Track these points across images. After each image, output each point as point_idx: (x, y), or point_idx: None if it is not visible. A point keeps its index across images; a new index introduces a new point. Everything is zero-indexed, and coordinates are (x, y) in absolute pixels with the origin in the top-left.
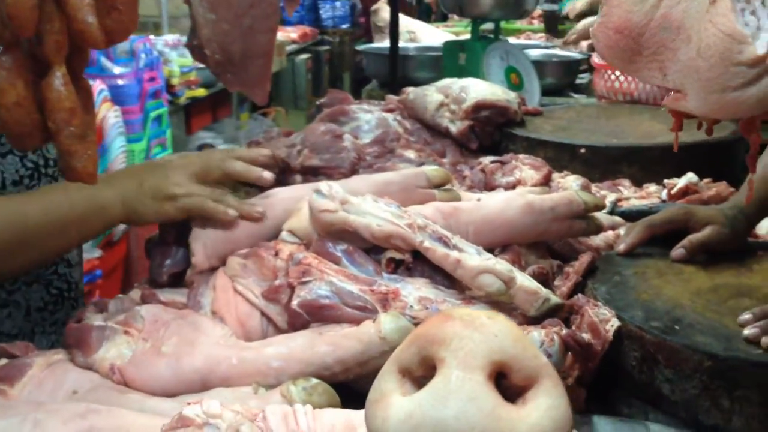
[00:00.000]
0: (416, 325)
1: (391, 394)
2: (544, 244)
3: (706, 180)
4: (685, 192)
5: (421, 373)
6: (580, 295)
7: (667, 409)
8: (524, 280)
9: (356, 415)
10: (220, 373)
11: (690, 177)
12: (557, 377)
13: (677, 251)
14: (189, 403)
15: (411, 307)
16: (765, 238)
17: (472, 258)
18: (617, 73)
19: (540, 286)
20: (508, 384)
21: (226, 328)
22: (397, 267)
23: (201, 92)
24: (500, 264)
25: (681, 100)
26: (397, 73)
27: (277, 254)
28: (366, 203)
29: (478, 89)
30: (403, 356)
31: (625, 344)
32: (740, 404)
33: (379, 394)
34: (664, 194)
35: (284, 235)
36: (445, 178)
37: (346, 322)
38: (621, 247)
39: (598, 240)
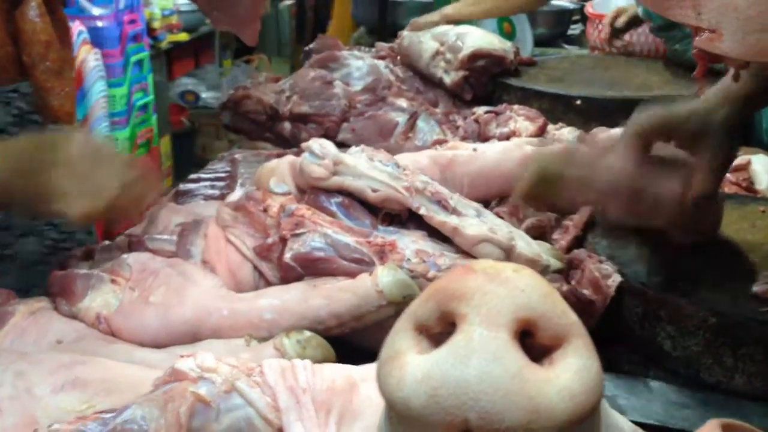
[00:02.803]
0: (414, 278)
1: (406, 353)
2: None
3: None
4: None
5: (440, 330)
6: (580, 249)
7: (668, 365)
8: (524, 247)
9: (356, 371)
10: (211, 324)
11: None
12: (588, 337)
13: (761, 287)
14: (182, 356)
15: (408, 259)
16: (764, 193)
17: (472, 225)
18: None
19: (540, 252)
20: (534, 343)
21: (216, 278)
22: (393, 219)
23: (183, 37)
24: (500, 229)
25: (715, 40)
26: (386, 19)
27: (266, 210)
28: (361, 164)
29: (474, 38)
30: (420, 312)
31: (627, 300)
32: (744, 362)
33: (393, 352)
34: None
35: (272, 184)
36: None
37: (341, 275)
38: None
39: None
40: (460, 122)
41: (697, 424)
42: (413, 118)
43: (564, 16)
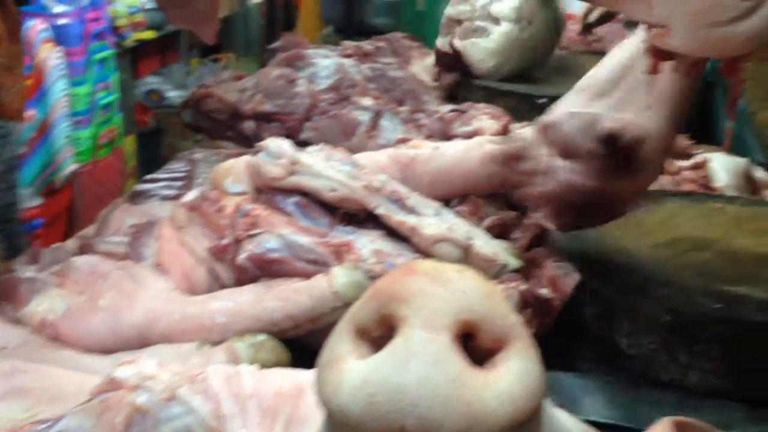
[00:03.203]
0: (371, 278)
1: (345, 357)
2: (503, 194)
3: None
4: None
5: (380, 333)
6: (540, 248)
7: (624, 363)
8: (482, 246)
9: (306, 375)
10: (161, 328)
11: None
12: (530, 339)
13: None
14: (122, 364)
15: (365, 260)
16: (722, 191)
17: (430, 225)
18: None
19: (498, 251)
20: (475, 345)
21: (169, 281)
22: (351, 219)
23: (148, 35)
24: (458, 228)
25: (666, 36)
26: (354, 18)
27: (221, 210)
28: (318, 163)
29: None
30: (360, 314)
31: (584, 298)
32: (698, 359)
33: (331, 357)
34: None
35: (227, 184)
36: None
37: (297, 276)
38: None
39: None
40: (424, 121)
41: (653, 422)
42: (377, 116)
43: None
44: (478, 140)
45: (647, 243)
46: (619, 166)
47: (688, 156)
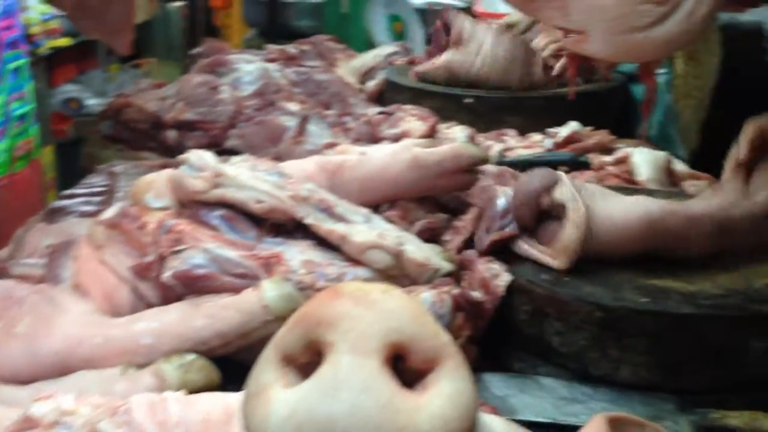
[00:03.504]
0: (301, 290)
1: (271, 387)
2: (433, 197)
3: (588, 128)
4: (569, 141)
5: (307, 359)
6: (471, 250)
7: (557, 361)
8: (414, 251)
9: (236, 399)
10: (82, 353)
11: (573, 126)
12: (461, 357)
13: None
14: (37, 400)
15: (295, 271)
16: (644, 185)
17: (360, 232)
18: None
19: (430, 256)
20: (406, 367)
21: (89, 304)
22: (279, 230)
23: (64, 42)
24: (389, 234)
25: (583, 42)
26: (278, 21)
27: (143, 227)
28: (243, 174)
29: None
30: (286, 341)
31: (516, 298)
32: (629, 353)
33: (257, 387)
34: (548, 143)
35: (149, 199)
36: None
37: (225, 291)
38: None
39: None
40: (351, 124)
41: (587, 418)
42: (304, 122)
43: None
44: (405, 144)
45: None
46: None
47: (610, 151)
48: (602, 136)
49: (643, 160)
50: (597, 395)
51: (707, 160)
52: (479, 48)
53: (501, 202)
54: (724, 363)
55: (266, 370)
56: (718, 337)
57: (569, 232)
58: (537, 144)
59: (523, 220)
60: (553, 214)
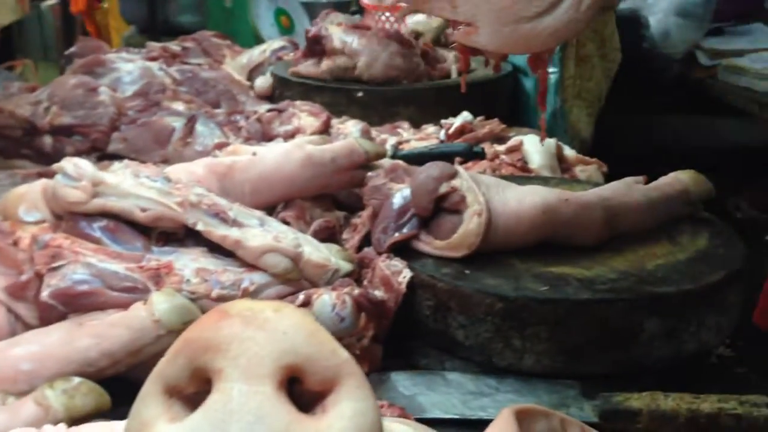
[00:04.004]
0: (195, 300)
1: (155, 422)
2: (330, 195)
3: (479, 118)
4: (461, 131)
5: (194, 389)
6: (370, 248)
7: (462, 354)
8: (312, 253)
9: (120, 428)
10: None
11: (465, 116)
12: (361, 375)
13: None
14: None
15: (188, 281)
16: (537, 172)
17: (255, 236)
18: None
19: (328, 256)
20: (303, 390)
21: None
22: (169, 238)
23: None
24: (285, 236)
25: (472, 34)
26: (158, 17)
27: (16, 243)
28: (125, 181)
29: None
30: (169, 371)
31: (418, 294)
32: (531, 342)
33: (140, 424)
34: (442, 134)
35: (21, 212)
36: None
37: (112, 308)
38: None
39: None
40: (242, 123)
41: (494, 411)
42: (191, 122)
43: (342, 8)
44: (298, 142)
45: None
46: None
47: (502, 140)
48: (494, 125)
49: (535, 148)
50: (503, 387)
51: (600, 151)
52: (357, 55)
53: (397, 201)
54: (622, 345)
55: (149, 405)
56: (615, 320)
57: (470, 221)
58: (431, 135)
59: (423, 211)
60: (450, 207)
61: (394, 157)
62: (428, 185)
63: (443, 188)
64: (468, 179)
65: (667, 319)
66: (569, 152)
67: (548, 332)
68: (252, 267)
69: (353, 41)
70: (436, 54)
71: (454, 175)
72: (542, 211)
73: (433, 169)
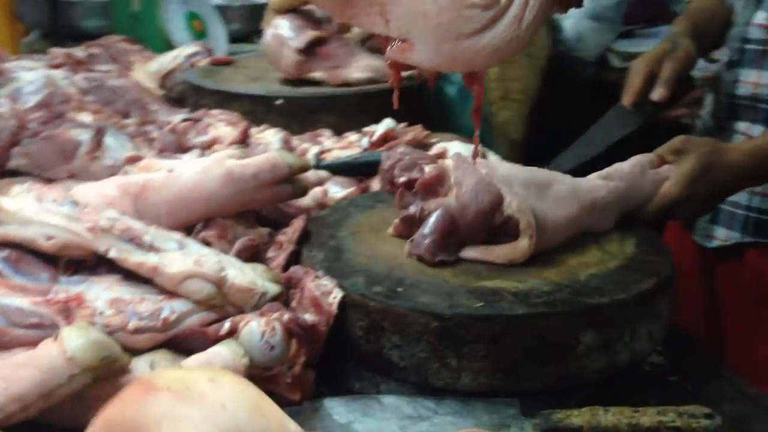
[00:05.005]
0: (111, 333)
1: None
2: (252, 212)
3: (402, 124)
4: (385, 139)
5: None
6: (297, 266)
7: (397, 376)
8: (236, 276)
9: None
10: None
11: (388, 123)
12: None
13: (658, 91)
14: None
15: (101, 313)
16: None
17: (174, 261)
18: None
19: (254, 279)
20: None
21: None
22: (79, 267)
23: None
24: (207, 260)
25: (407, 51)
26: (61, 21)
27: None
28: (27, 207)
29: None
30: None
31: (350, 314)
32: (468, 360)
33: None
34: (364, 142)
35: None
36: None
37: (18, 347)
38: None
39: (307, 200)
40: (155, 134)
41: None
42: (99, 134)
43: (257, 11)
44: (217, 157)
45: (404, 244)
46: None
47: (425, 146)
48: (417, 131)
49: None
50: (441, 409)
51: (531, 151)
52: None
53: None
54: (559, 359)
55: None
56: (552, 334)
57: (521, 242)
58: (354, 144)
59: (478, 242)
60: (504, 232)
61: (317, 167)
62: (481, 222)
63: (497, 220)
64: (515, 200)
65: (603, 330)
66: (493, 157)
67: (485, 350)
68: (172, 294)
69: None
70: None
71: (501, 201)
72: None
73: (481, 201)
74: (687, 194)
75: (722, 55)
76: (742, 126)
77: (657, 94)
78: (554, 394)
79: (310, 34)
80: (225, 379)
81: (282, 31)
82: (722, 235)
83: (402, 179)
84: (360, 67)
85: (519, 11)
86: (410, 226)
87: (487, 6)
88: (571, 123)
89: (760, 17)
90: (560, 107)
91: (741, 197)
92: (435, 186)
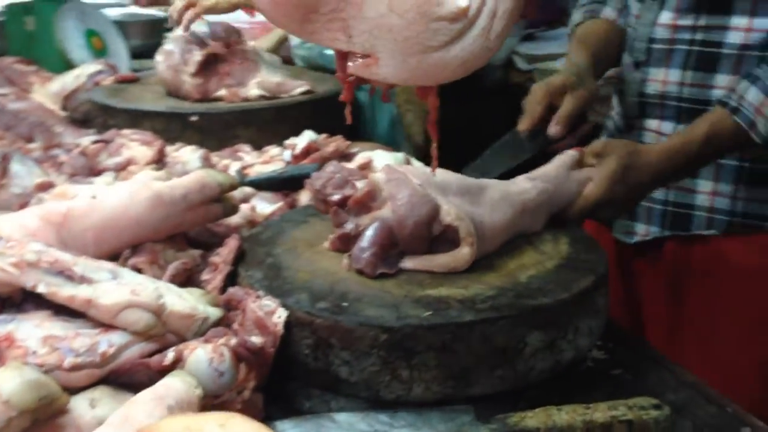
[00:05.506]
0: (47, 372)
1: None
2: (181, 234)
3: (323, 136)
4: (307, 151)
5: None
6: (236, 287)
7: (347, 392)
8: (176, 302)
9: None
10: None
11: (309, 135)
12: None
13: (555, 128)
14: None
15: (34, 352)
16: None
17: (108, 292)
18: None
19: (194, 305)
20: None
21: None
22: (4, 304)
23: None
24: (144, 288)
25: (372, 65)
26: None
27: None
28: None
29: None
30: None
31: (295, 332)
32: (419, 371)
33: None
34: (286, 155)
35: None
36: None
37: None
38: (523, 125)
39: (236, 219)
40: (63, 157)
41: None
42: (4, 161)
43: (157, 25)
44: (143, 180)
45: (342, 257)
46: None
47: (348, 157)
48: (338, 142)
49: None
50: (396, 422)
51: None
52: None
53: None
54: (507, 362)
55: None
56: (500, 338)
57: (462, 249)
58: (276, 158)
59: (418, 252)
60: (443, 240)
61: (242, 184)
62: (419, 233)
63: (436, 230)
64: (453, 209)
65: (548, 330)
66: (417, 164)
67: (436, 359)
68: (108, 327)
69: None
70: None
71: (438, 211)
72: (513, 222)
73: (418, 213)
74: (609, 197)
75: (624, 57)
76: (652, 124)
77: (553, 129)
78: (505, 398)
79: (198, 54)
80: (236, 421)
81: (173, 59)
82: (642, 231)
83: (335, 197)
84: (255, 85)
85: (487, 22)
86: (347, 242)
87: (455, 18)
88: (481, 126)
89: (665, 17)
90: (469, 110)
91: (658, 192)
92: (367, 202)
